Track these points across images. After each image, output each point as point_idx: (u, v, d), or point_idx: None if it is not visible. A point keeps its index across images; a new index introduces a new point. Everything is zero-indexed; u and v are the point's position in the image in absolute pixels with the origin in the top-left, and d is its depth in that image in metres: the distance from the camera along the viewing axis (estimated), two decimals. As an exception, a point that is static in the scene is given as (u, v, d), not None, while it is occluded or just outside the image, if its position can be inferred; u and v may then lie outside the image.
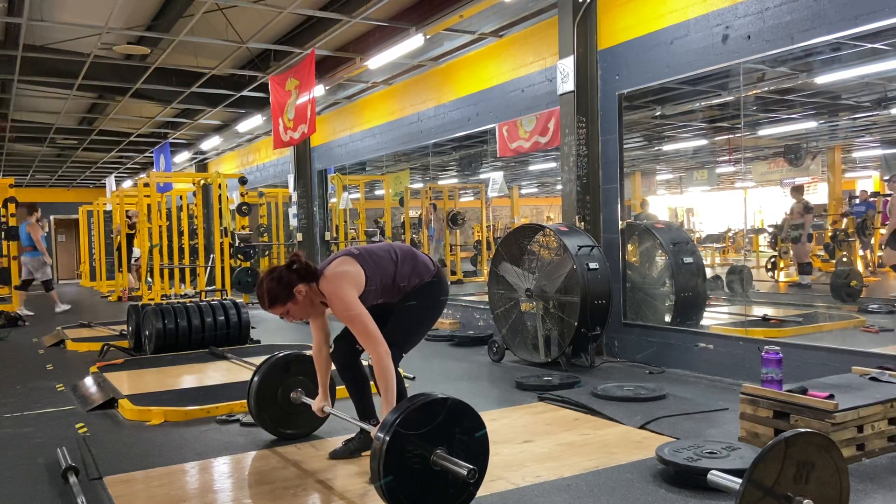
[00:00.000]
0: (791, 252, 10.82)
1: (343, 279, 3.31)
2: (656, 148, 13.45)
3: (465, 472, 2.69)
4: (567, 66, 6.68)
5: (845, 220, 11.45)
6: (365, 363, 3.71)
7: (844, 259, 10.90)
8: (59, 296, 13.04)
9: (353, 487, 3.37)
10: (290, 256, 3.41)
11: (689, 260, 6.72)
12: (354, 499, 3.23)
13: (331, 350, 3.70)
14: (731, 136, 11.73)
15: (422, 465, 2.80)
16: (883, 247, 9.69)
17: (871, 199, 11.67)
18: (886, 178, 10.80)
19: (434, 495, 2.84)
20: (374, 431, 2.89)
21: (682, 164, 15.87)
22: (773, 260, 11.70)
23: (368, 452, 3.75)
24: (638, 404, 4.66)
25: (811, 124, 11.54)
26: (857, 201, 11.85)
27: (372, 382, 3.66)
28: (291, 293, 3.28)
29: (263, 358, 6.57)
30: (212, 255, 13.16)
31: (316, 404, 3.77)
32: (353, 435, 3.87)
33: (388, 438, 2.74)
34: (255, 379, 4.09)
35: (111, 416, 4.92)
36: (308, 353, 4.01)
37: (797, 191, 10.90)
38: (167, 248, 13.08)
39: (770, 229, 12.77)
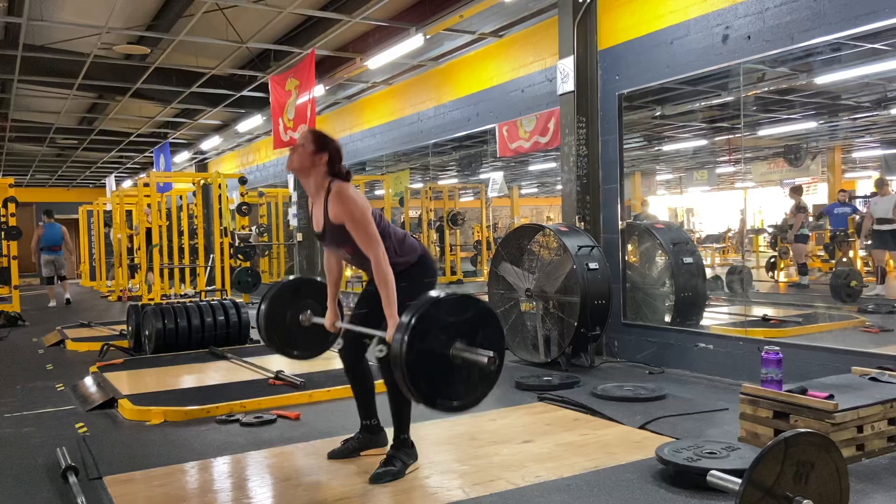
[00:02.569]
0: (791, 252, 10.84)
1: (360, 196, 3.41)
2: (656, 148, 13.45)
3: (485, 360, 2.78)
4: (567, 66, 6.68)
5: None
6: (371, 363, 3.70)
7: (844, 259, 10.90)
8: (57, 295, 13.93)
9: (354, 486, 3.37)
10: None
11: (688, 260, 6.72)
12: (354, 498, 3.23)
13: (339, 348, 3.75)
14: (731, 136, 11.73)
15: (442, 356, 2.87)
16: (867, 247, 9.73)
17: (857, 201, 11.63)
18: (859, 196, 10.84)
19: (453, 387, 2.91)
20: (390, 332, 3.00)
21: (682, 164, 15.87)
22: (772, 260, 11.70)
23: (367, 452, 3.78)
24: (638, 404, 4.66)
25: (811, 124, 11.54)
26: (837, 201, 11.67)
27: (377, 382, 3.66)
28: (321, 149, 3.39)
29: (264, 357, 6.58)
30: (211, 255, 13.16)
31: (328, 320, 3.76)
32: (351, 435, 3.88)
33: (414, 320, 2.80)
34: (265, 302, 4.00)
35: (111, 415, 4.92)
36: (318, 278, 4.04)
37: (795, 191, 10.93)
38: (167, 248, 13.07)
39: (770, 229, 12.78)
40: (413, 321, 2.83)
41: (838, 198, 11.18)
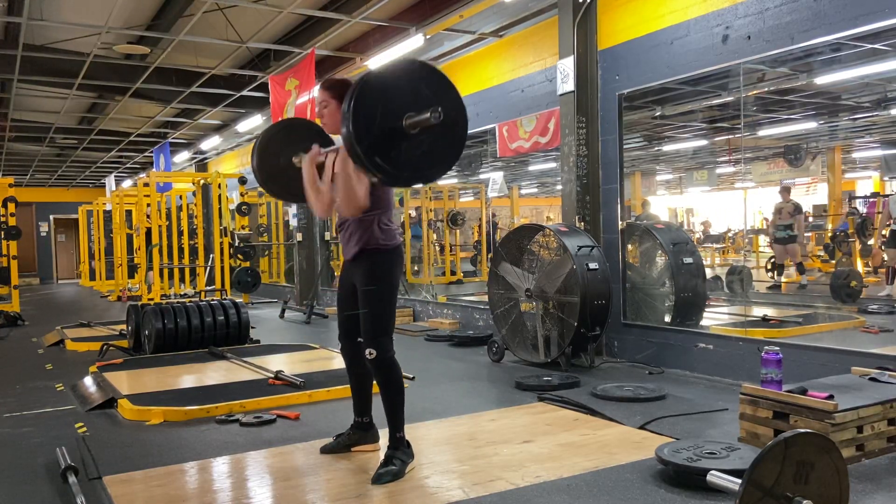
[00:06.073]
0: (776, 252, 10.85)
1: None
2: (656, 148, 13.45)
3: (427, 115, 2.80)
4: (567, 66, 6.68)
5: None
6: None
7: (844, 259, 10.90)
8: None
9: (353, 486, 3.37)
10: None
11: (688, 260, 6.72)
12: (354, 498, 3.23)
13: (340, 348, 3.79)
14: (731, 136, 11.73)
15: (394, 130, 2.88)
16: (882, 247, 9.72)
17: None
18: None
19: (409, 155, 2.95)
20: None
21: (682, 164, 15.87)
22: (772, 260, 11.70)
23: (358, 448, 3.82)
24: (637, 404, 4.66)
25: (811, 124, 11.54)
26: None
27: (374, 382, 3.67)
28: (343, 98, 3.35)
29: (263, 357, 6.58)
30: (211, 255, 13.16)
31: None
32: (343, 431, 3.91)
33: (353, 102, 2.80)
34: (257, 143, 3.90)
35: (110, 415, 4.92)
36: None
37: (786, 191, 10.97)
38: (167, 248, 13.08)
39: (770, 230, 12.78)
40: (353, 103, 2.80)
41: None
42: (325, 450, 3.85)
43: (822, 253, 12.21)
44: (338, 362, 6.20)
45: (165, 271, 12.82)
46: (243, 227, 12.43)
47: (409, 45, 8.04)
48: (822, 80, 8.20)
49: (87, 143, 15.76)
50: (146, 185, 12.34)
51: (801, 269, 10.62)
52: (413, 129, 2.88)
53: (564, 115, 6.79)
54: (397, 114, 2.87)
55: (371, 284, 3.48)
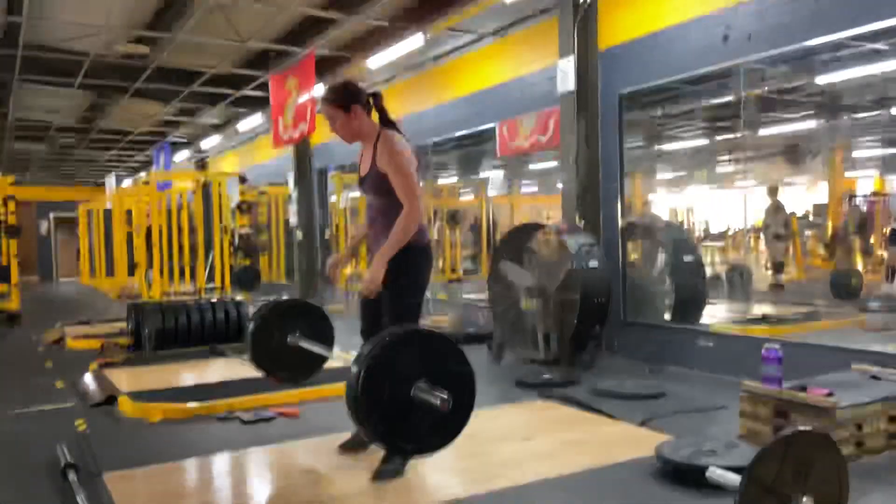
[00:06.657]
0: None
1: (407, 150, 3.38)
2: (656, 147, 13.44)
3: (438, 402, 2.71)
4: (567, 66, 6.68)
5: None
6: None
7: (844, 258, 10.91)
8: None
9: (353, 483, 3.37)
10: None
11: (688, 258, 6.73)
12: (354, 495, 3.23)
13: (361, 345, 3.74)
14: (731, 136, 11.73)
15: (403, 397, 2.80)
16: (885, 246, 9.74)
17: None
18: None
19: (415, 428, 2.87)
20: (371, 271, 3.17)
21: (683, 163, 15.86)
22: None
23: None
24: (638, 402, 4.67)
25: (811, 124, 11.54)
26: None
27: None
28: (348, 106, 3.38)
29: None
30: (211, 254, 13.15)
31: (330, 262, 3.72)
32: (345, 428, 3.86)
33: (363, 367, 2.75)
34: (252, 324, 4.01)
35: (111, 413, 4.92)
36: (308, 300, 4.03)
37: (772, 192, 11.04)
38: (167, 246, 13.06)
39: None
40: (371, 359, 2.76)
41: None
42: (345, 446, 3.74)
43: (821, 251, 12.19)
44: (336, 361, 6.19)
45: (165, 269, 12.81)
46: (243, 226, 12.43)
47: (409, 45, 8.04)
48: (822, 79, 8.21)
49: (87, 142, 15.77)
50: (146, 183, 12.34)
51: (781, 267, 10.71)
52: (418, 400, 2.82)
53: (565, 115, 6.79)
54: (406, 383, 2.81)
55: (398, 282, 3.37)
